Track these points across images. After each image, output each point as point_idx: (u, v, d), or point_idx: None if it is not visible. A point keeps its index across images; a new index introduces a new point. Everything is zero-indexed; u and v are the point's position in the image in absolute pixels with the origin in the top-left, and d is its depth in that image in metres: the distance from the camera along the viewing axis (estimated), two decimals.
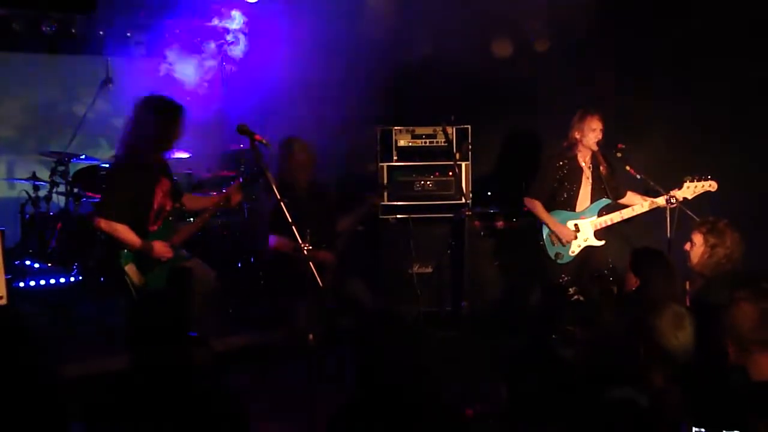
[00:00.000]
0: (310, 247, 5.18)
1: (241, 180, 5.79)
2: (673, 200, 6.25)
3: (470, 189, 7.74)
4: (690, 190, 6.32)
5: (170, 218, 5.36)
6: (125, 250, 5.22)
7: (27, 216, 7.78)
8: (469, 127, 7.80)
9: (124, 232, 5.14)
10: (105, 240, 5.44)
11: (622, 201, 6.60)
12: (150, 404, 2.90)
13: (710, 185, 6.33)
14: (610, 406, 3.21)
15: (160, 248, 5.22)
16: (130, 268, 5.19)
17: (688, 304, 4.83)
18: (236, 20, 8.66)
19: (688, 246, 5.10)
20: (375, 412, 3.04)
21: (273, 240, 6.24)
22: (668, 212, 6.30)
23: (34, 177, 7.87)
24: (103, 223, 5.19)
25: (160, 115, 5.25)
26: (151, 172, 5.27)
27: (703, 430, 3.01)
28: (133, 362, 3.17)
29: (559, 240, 6.51)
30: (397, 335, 3.23)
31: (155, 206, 5.25)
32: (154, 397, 2.94)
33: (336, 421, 3.09)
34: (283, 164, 6.44)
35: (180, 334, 3.31)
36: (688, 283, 5.13)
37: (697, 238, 5.02)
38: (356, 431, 3.05)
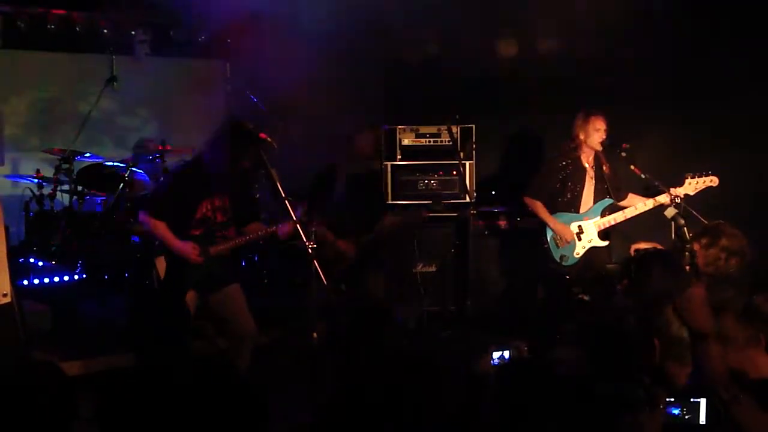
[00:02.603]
0: (315, 245, 5.19)
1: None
2: (676, 199, 6.23)
3: (474, 188, 7.73)
4: (691, 186, 6.31)
5: (215, 230, 5.42)
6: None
7: (31, 214, 7.79)
8: (474, 126, 7.79)
9: (159, 227, 5.28)
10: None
11: (623, 203, 6.58)
12: (157, 400, 2.90)
13: (711, 180, 6.32)
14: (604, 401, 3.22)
15: (187, 249, 5.28)
16: (160, 262, 5.28)
17: None
18: None
19: (696, 260, 5.08)
20: (354, 410, 3.05)
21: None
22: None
23: (38, 175, 7.88)
24: (142, 216, 5.39)
25: (230, 141, 5.35)
26: (205, 185, 5.37)
27: (673, 399, 3.16)
28: (141, 355, 3.18)
29: (564, 241, 6.49)
30: (382, 334, 3.25)
31: (198, 215, 5.35)
32: (161, 393, 2.94)
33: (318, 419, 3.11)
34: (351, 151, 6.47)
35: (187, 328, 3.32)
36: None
37: (695, 246, 5.02)
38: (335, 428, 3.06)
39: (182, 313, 5.27)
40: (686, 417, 3.12)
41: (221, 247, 5.41)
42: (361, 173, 6.60)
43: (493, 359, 3.57)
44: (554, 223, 6.50)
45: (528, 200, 6.62)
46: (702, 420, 3.12)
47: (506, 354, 3.56)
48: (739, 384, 3.19)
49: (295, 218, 5.18)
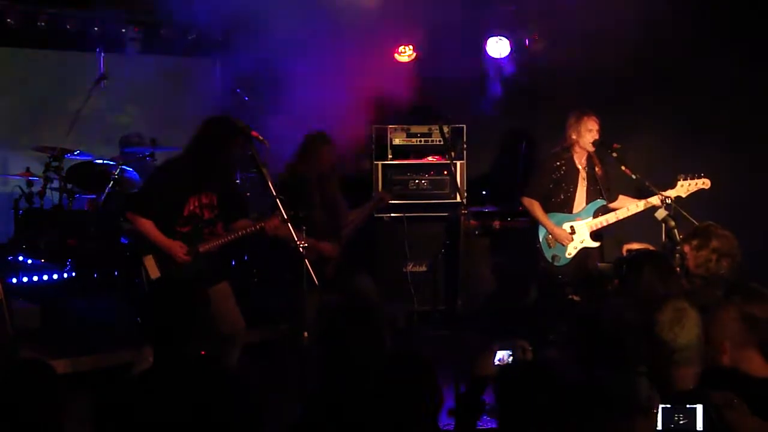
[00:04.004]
0: (306, 245, 5.17)
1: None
2: (667, 200, 6.23)
3: (465, 188, 7.73)
4: (684, 188, 6.32)
5: (202, 227, 5.38)
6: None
7: (20, 212, 7.75)
8: (465, 126, 7.79)
9: (146, 225, 5.23)
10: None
11: (614, 204, 6.59)
12: (151, 399, 2.90)
13: (703, 183, 6.33)
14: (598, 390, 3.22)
15: (175, 248, 5.25)
16: (148, 260, 5.23)
17: None
18: None
19: (686, 262, 5.09)
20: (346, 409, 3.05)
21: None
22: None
23: (27, 172, 7.84)
24: (129, 215, 5.36)
25: (217, 137, 5.32)
26: (192, 182, 5.32)
27: (668, 405, 3.09)
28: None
29: (556, 242, 6.50)
30: (365, 331, 3.24)
31: (185, 212, 5.30)
32: (154, 392, 2.93)
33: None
34: (308, 156, 6.35)
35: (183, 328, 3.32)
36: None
37: (686, 248, 5.02)
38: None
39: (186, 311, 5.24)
40: (682, 423, 3.10)
41: (210, 244, 5.37)
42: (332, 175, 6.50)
43: (500, 359, 3.50)
44: (551, 226, 6.50)
45: (526, 201, 6.61)
46: (699, 426, 3.10)
47: (509, 355, 3.50)
48: (733, 386, 3.18)
49: (285, 216, 5.16)
